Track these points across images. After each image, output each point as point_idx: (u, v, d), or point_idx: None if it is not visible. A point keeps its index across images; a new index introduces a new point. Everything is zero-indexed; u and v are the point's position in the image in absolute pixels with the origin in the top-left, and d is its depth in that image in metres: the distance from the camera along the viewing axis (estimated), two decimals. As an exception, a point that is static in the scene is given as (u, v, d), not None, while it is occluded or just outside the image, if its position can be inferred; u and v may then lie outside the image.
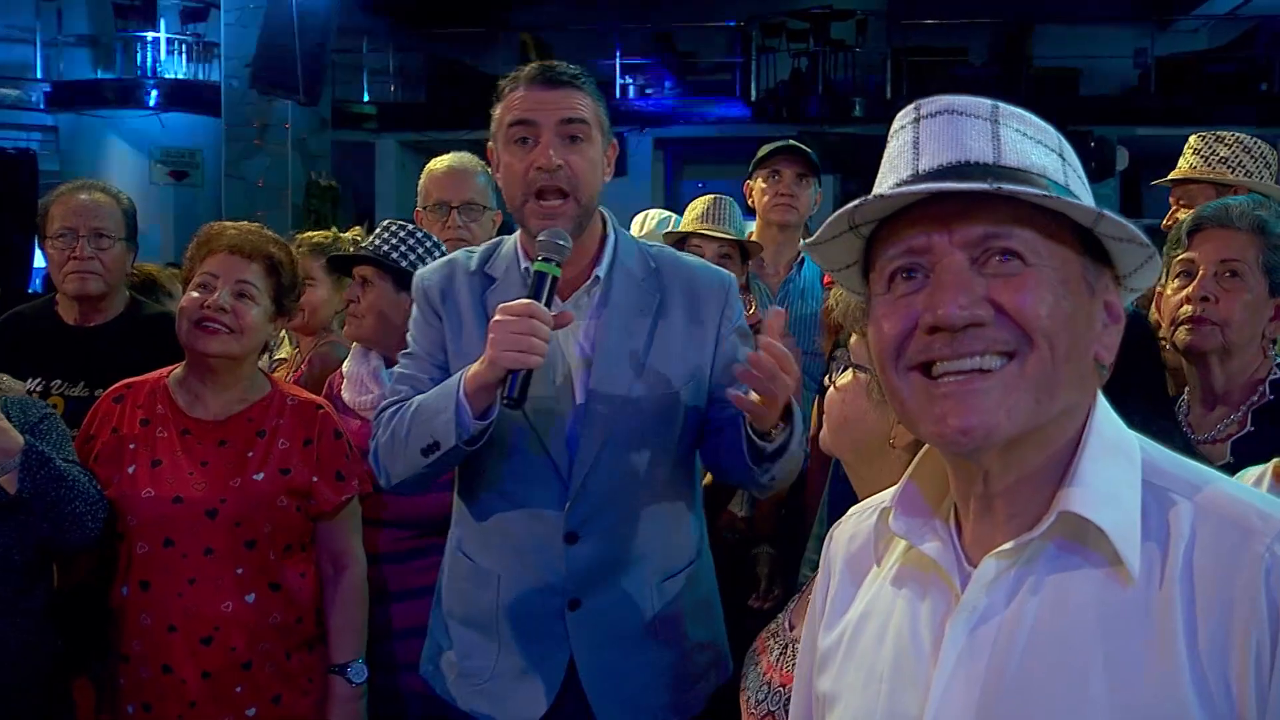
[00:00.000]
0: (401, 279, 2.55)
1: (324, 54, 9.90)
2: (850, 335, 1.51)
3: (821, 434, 1.56)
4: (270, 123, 10.92)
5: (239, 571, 2.21)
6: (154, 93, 12.27)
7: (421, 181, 3.13)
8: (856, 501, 2.32)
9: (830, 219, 0.95)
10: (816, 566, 2.38)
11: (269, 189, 10.98)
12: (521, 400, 1.80)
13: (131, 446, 2.26)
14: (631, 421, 1.95)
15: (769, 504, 2.94)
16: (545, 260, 1.84)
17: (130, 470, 2.24)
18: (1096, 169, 12.47)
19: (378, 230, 2.70)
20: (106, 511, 2.18)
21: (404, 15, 14.32)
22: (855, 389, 1.47)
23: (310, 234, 3.45)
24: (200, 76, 13.16)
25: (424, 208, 3.08)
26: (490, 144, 2.03)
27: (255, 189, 10.91)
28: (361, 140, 13.96)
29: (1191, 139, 3.30)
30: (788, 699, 1.41)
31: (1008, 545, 0.92)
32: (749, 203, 3.46)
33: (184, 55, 13.17)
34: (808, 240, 1.01)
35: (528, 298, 1.81)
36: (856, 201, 0.93)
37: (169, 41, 13.13)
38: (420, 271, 2.15)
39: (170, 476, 2.22)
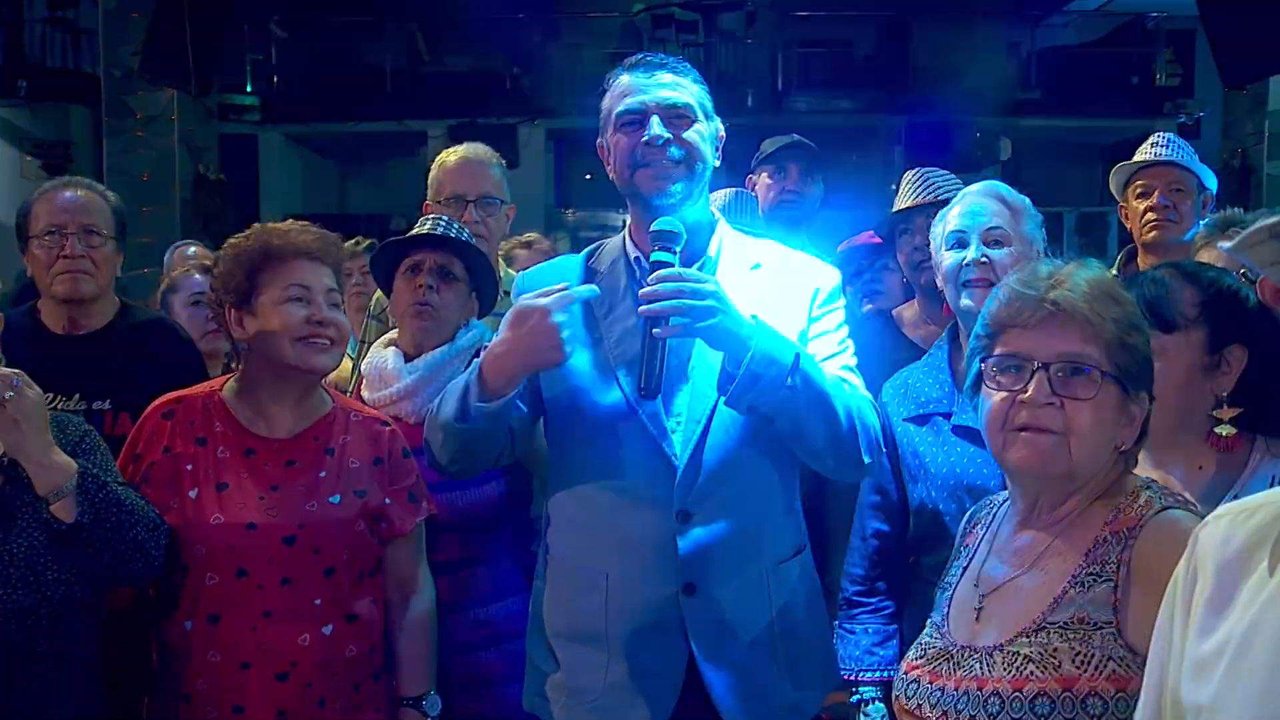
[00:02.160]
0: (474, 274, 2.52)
1: (219, 42, 9.47)
2: None
3: None
4: (155, 115, 10.39)
5: (316, 602, 2.06)
6: (24, 81, 11.52)
7: (432, 174, 2.99)
8: (901, 510, 2.34)
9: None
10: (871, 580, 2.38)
11: (154, 184, 10.46)
12: (657, 391, 1.80)
13: (189, 468, 2.08)
14: None
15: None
16: (663, 250, 1.86)
17: (192, 495, 2.06)
18: (981, 159, 12.92)
19: (432, 220, 2.55)
20: (168, 538, 2.01)
21: (285, 2, 13.83)
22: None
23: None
24: (71, 64, 12.44)
25: (437, 201, 2.93)
26: (600, 141, 2.04)
27: (139, 184, 10.34)
28: (244, 133, 13.45)
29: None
30: (960, 696, 1.49)
31: None
32: (755, 198, 3.43)
33: (56, 42, 12.42)
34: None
35: None
36: None
37: (40, 26, 12.35)
38: (525, 271, 2.16)
39: (239, 501, 2.05)
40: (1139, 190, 3.34)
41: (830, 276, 2.08)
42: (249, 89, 13.56)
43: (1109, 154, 14.74)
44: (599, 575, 1.94)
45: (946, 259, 2.41)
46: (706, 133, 2.00)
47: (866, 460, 1.95)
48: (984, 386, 1.62)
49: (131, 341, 2.70)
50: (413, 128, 13.52)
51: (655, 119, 1.93)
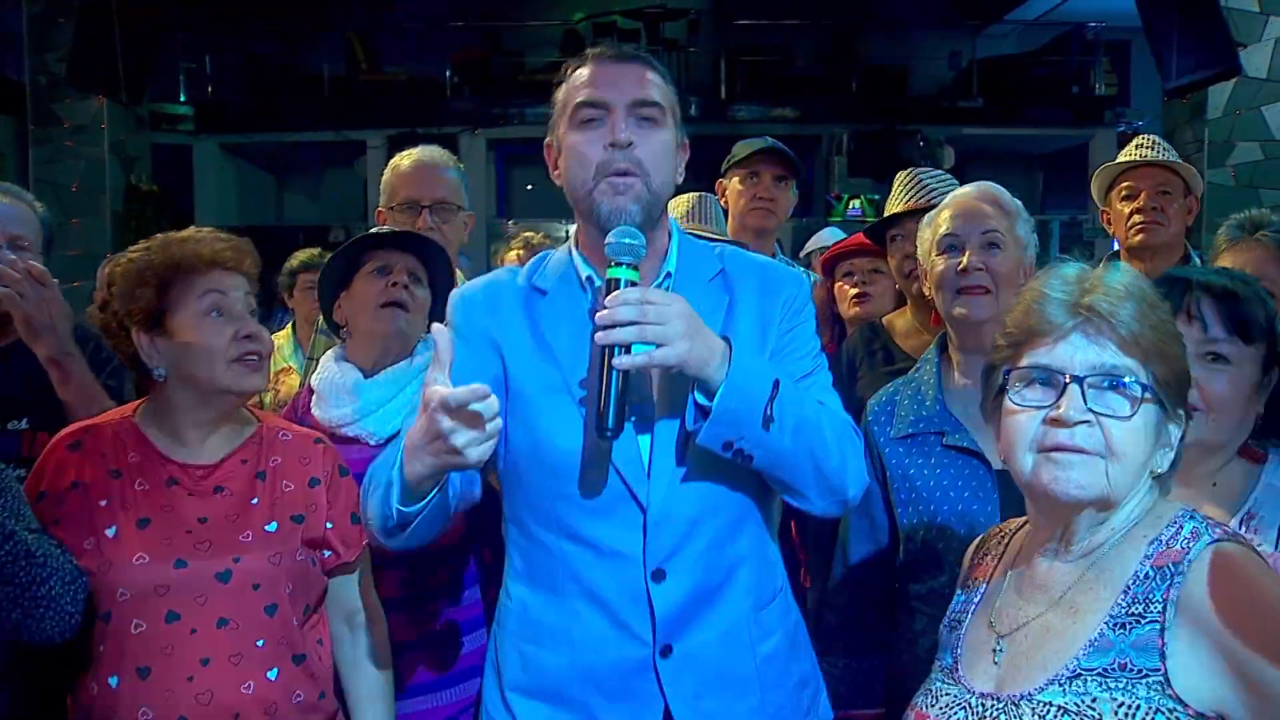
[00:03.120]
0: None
1: (151, 49, 9.14)
2: None
3: None
4: (84, 123, 10.04)
5: (260, 644, 1.83)
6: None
7: (385, 178, 2.82)
8: (888, 535, 2.19)
9: None
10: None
11: (84, 195, 10.11)
12: (618, 430, 1.56)
13: (103, 503, 1.85)
14: None
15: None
16: (618, 265, 1.62)
17: (110, 533, 1.83)
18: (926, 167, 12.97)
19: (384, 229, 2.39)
20: (86, 590, 1.78)
21: (219, 10, 13.49)
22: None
23: None
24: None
25: (390, 207, 2.76)
26: (548, 140, 1.79)
27: (69, 194, 10.00)
28: (178, 143, 13.09)
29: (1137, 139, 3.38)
30: None
31: None
32: (721, 202, 3.28)
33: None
34: None
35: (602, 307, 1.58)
36: None
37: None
38: (461, 288, 1.87)
39: (165, 536, 1.83)
40: (1124, 193, 3.26)
41: (798, 283, 1.86)
42: (183, 98, 13.27)
43: (1050, 162, 14.97)
44: (564, 630, 1.74)
45: (938, 264, 2.26)
46: (673, 142, 1.75)
47: (851, 494, 1.75)
48: (1007, 401, 1.45)
49: None
50: (351, 138, 13.28)
51: (621, 116, 1.69)
